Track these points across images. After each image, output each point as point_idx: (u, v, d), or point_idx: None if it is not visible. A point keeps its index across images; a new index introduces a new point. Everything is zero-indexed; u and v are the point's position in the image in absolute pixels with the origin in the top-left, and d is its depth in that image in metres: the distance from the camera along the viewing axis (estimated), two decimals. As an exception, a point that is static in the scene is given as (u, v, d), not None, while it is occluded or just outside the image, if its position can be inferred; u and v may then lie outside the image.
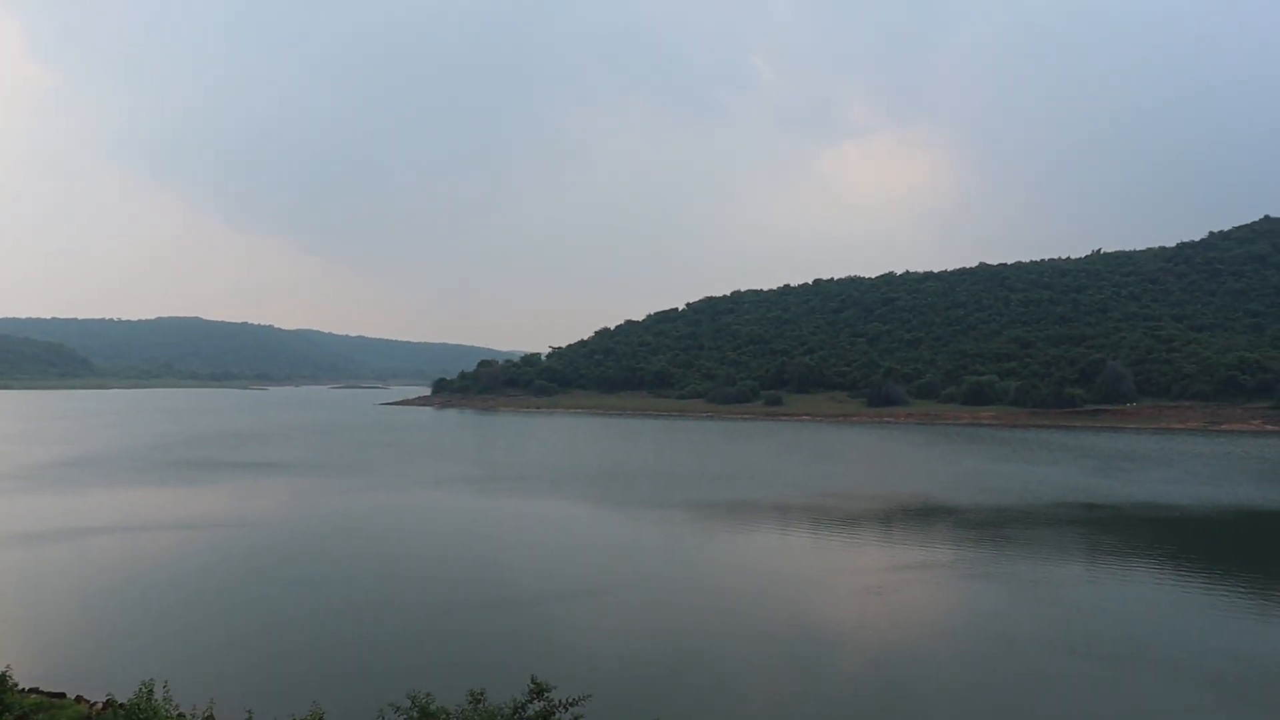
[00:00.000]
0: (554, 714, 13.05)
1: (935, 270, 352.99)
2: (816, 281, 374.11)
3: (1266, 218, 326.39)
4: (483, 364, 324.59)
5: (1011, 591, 42.36)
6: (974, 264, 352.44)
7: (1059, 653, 32.61)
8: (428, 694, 13.15)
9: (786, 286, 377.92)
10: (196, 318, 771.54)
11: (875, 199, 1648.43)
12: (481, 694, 13.07)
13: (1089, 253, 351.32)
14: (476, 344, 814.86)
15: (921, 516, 67.06)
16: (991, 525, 61.67)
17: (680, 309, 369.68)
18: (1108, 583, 44.95)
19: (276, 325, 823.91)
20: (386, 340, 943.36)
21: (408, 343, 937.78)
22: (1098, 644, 33.54)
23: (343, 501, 71.76)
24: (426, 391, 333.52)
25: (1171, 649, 32.94)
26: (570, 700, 13.24)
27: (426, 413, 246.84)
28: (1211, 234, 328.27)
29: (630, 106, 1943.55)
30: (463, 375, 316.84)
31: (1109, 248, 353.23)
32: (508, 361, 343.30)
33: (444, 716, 12.91)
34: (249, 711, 15.65)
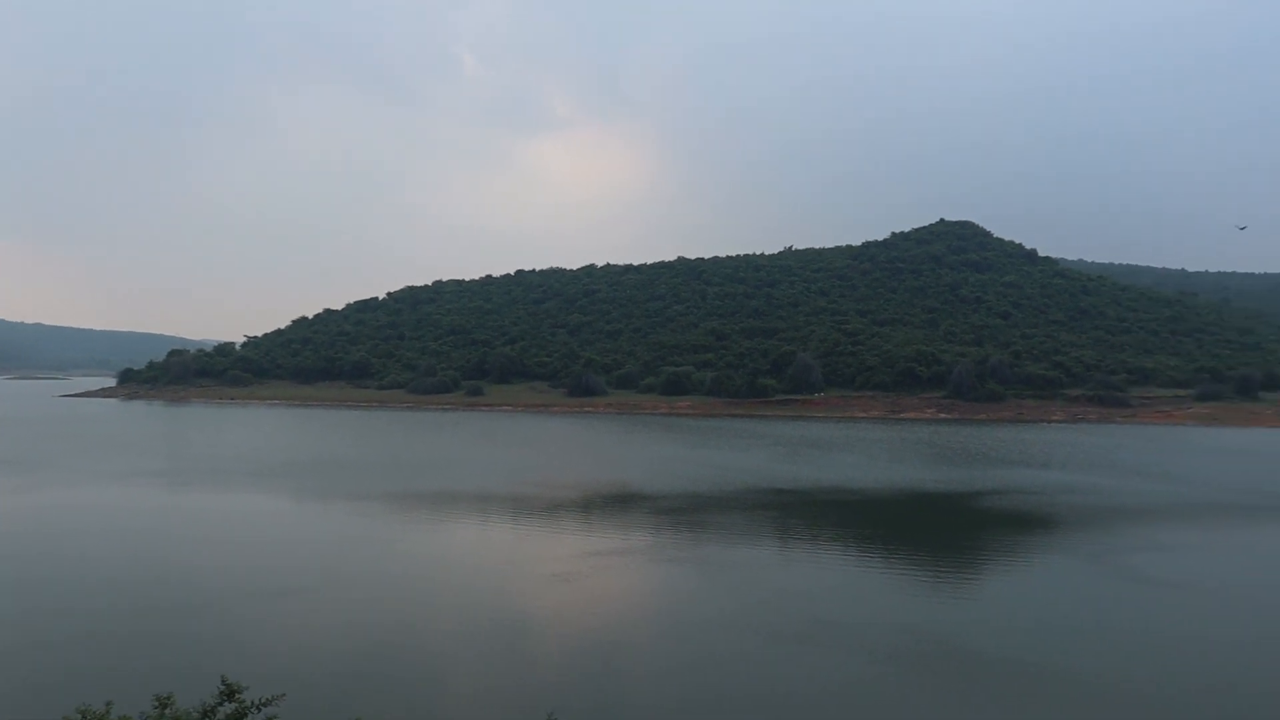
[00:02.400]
0: (246, 715, 12.00)
1: (635, 263, 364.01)
2: (519, 272, 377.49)
3: (942, 220, 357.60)
4: (173, 353, 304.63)
5: (706, 575, 43.33)
6: (673, 258, 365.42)
7: (750, 634, 33.46)
8: (108, 703, 11.73)
9: (489, 277, 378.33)
10: None
11: (578, 192, 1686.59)
12: (168, 698, 11.81)
13: (782, 249, 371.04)
14: (167, 332, 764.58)
15: (620, 503, 67.94)
16: (687, 511, 63.24)
17: (381, 298, 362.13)
18: (797, 564, 46.90)
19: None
20: (67, 328, 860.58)
21: (91, 330, 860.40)
22: (788, 624, 34.71)
23: (11, 501, 64.57)
24: (112, 382, 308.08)
25: (855, 625, 34.54)
26: (263, 701, 12.15)
27: (111, 404, 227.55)
28: (893, 234, 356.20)
29: (329, 94, 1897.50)
30: (151, 365, 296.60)
31: (800, 245, 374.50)
32: (200, 351, 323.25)
33: None
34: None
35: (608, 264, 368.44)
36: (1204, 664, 31.20)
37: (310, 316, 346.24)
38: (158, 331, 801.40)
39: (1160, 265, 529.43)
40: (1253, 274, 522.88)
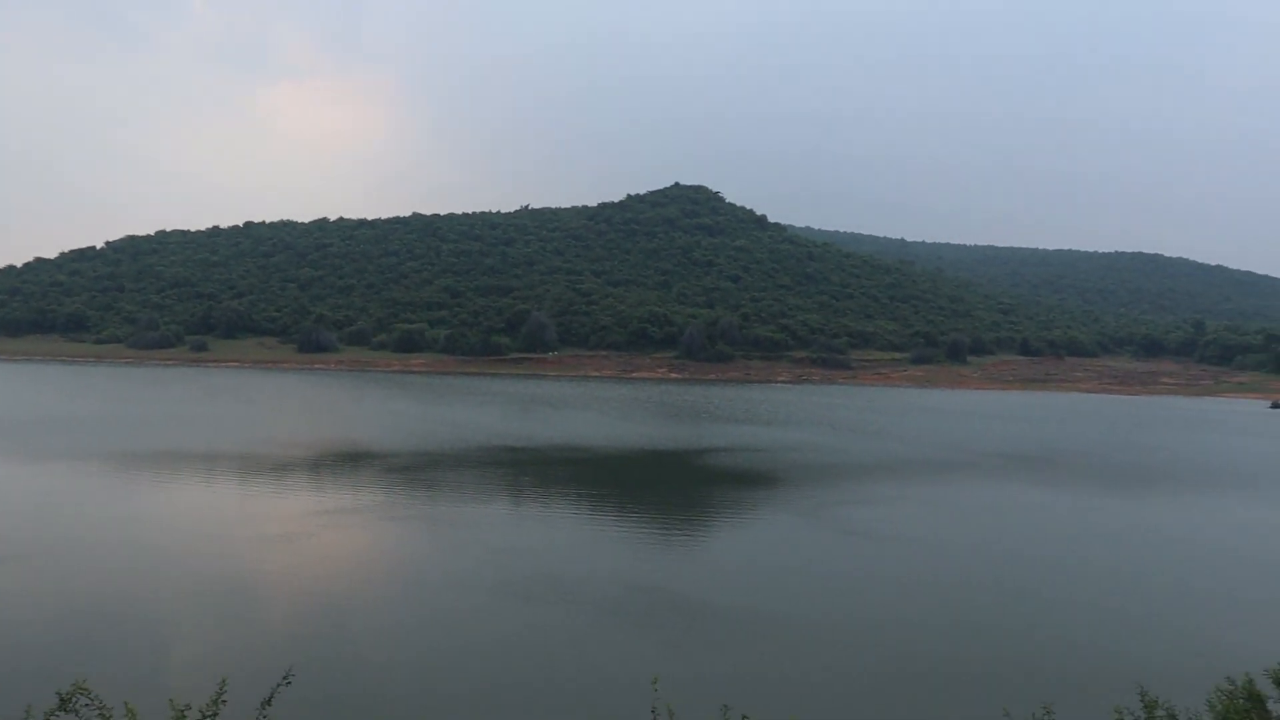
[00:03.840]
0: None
1: (370, 218, 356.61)
2: (248, 224, 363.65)
3: (677, 184, 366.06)
4: None
5: (437, 533, 43.19)
6: (408, 214, 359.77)
7: (480, 591, 33.59)
8: None
9: (216, 228, 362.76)
10: None
11: (312, 144, 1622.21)
12: None
13: (518, 208, 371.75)
14: None
15: (351, 462, 66.67)
16: (419, 469, 62.79)
17: (99, 248, 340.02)
18: (528, 522, 47.35)
19: None
20: None
21: None
22: (517, 580, 35.03)
23: None
24: None
25: (582, 582, 35.26)
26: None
27: None
28: (629, 196, 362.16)
29: (33, 23, 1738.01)
30: None
31: (537, 204, 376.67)
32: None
33: None
34: None
35: (341, 218, 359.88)
36: (902, 603, 33.87)
37: (19, 265, 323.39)
38: None
39: (882, 234, 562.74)
40: (964, 245, 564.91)
